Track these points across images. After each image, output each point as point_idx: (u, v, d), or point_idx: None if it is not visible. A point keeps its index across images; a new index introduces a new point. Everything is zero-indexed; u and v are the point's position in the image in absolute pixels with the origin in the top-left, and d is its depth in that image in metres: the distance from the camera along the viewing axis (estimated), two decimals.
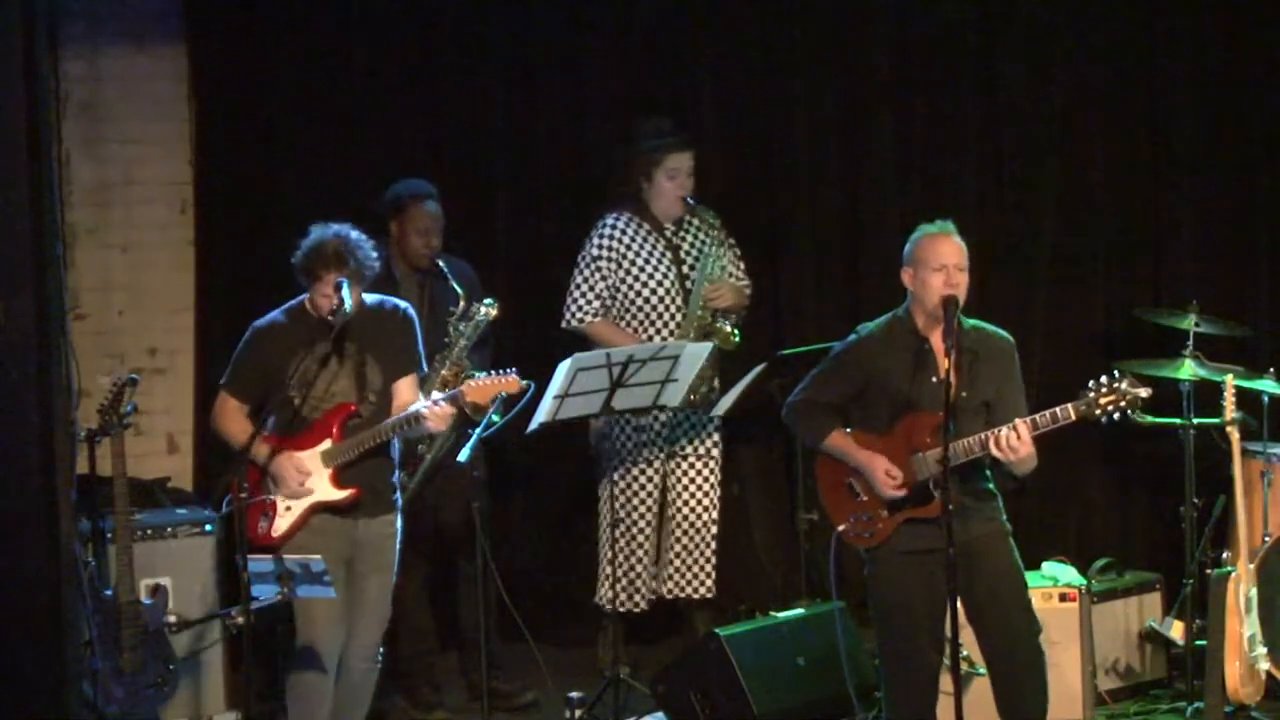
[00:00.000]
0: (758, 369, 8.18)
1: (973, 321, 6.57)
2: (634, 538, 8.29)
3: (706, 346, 7.79)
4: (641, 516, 8.27)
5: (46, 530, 6.42)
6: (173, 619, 7.42)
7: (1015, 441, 6.31)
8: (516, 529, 8.94)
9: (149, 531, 7.80)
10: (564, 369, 7.36)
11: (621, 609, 8.20)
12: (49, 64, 7.22)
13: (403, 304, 7.00)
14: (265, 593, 6.47)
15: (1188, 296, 8.07)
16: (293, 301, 6.91)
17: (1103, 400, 6.26)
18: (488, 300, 7.77)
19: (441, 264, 7.88)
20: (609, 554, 8.07)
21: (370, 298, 6.89)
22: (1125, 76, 8.92)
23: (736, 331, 8.21)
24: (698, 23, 9.03)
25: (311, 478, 6.79)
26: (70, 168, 8.70)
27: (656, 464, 8.23)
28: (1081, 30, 8.92)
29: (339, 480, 6.80)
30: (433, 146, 8.87)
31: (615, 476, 8.17)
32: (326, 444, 6.81)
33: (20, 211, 6.35)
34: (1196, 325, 7.92)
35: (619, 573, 8.26)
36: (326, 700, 6.90)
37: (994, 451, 6.34)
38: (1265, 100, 8.79)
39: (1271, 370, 7.78)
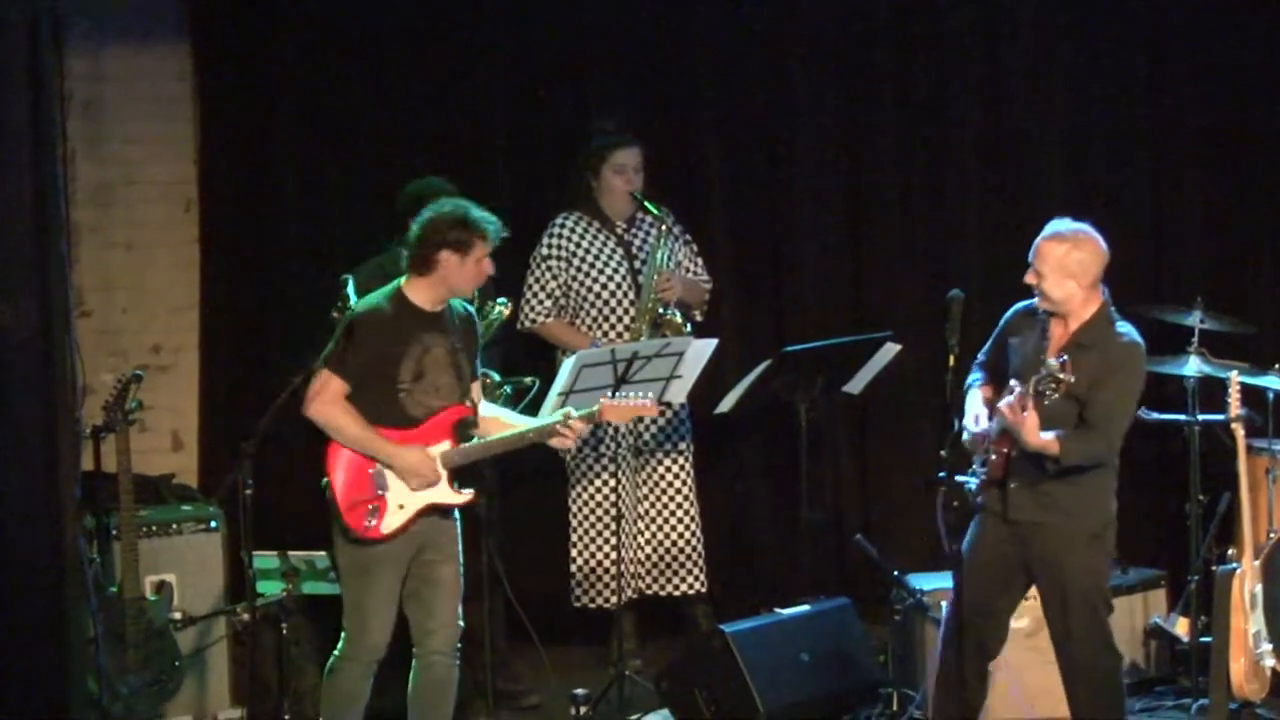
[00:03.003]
0: (762, 366, 8.16)
1: (1120, 322, 6.71)
2: (594, 539, 8.31)
3: (711, 343, 7.77)
4: (599, 520, 8.26)
5: (51, 527, 6.42)
6: (177, 616, 7.43)
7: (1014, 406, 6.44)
8: (522, 527, 8.93)
9: (154, 528, 7.79)
10: (568, 366, 7.36)
11: (592, 605, 8.29)
12: (53, 63, 7.22)
13: (469, 305, 6.87)
14: (270, 589, 6.46)
15: (1192, 293, 8.07)
16: (390, 289, 6.68)
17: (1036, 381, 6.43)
18: (501, 300, 7.78)
19: None
20: (571, 554, 8.30)
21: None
22: (1128, 72, 8.92)
23: (688, 323, 8.20)
24: (700, 24, 9.03)
25: None
26: (74, 166, 8.70)
27: (612, 466, 8.10)
28: (1084, 28, 8.92)
29: (454, 483, 6.68)
30: (436, 144, 8.86)
31: (575, 480, 8.31)
32: (445, 445, 6.66)
33: (25, 210, 6.36)
34: (1201, 322, 7.92)
35: (582, 573, 8.35)
36: (361, 705, 6.75)
37: (1006, 414, 6.45)
38: (1270, 95, 8.79)
39: (1276, 367, 7.77)
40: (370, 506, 6.56)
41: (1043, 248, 6.65)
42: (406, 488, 6.60)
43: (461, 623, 6.77)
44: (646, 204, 8.21)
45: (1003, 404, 6.46)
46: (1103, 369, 6.59)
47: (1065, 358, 6.42)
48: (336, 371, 6.56)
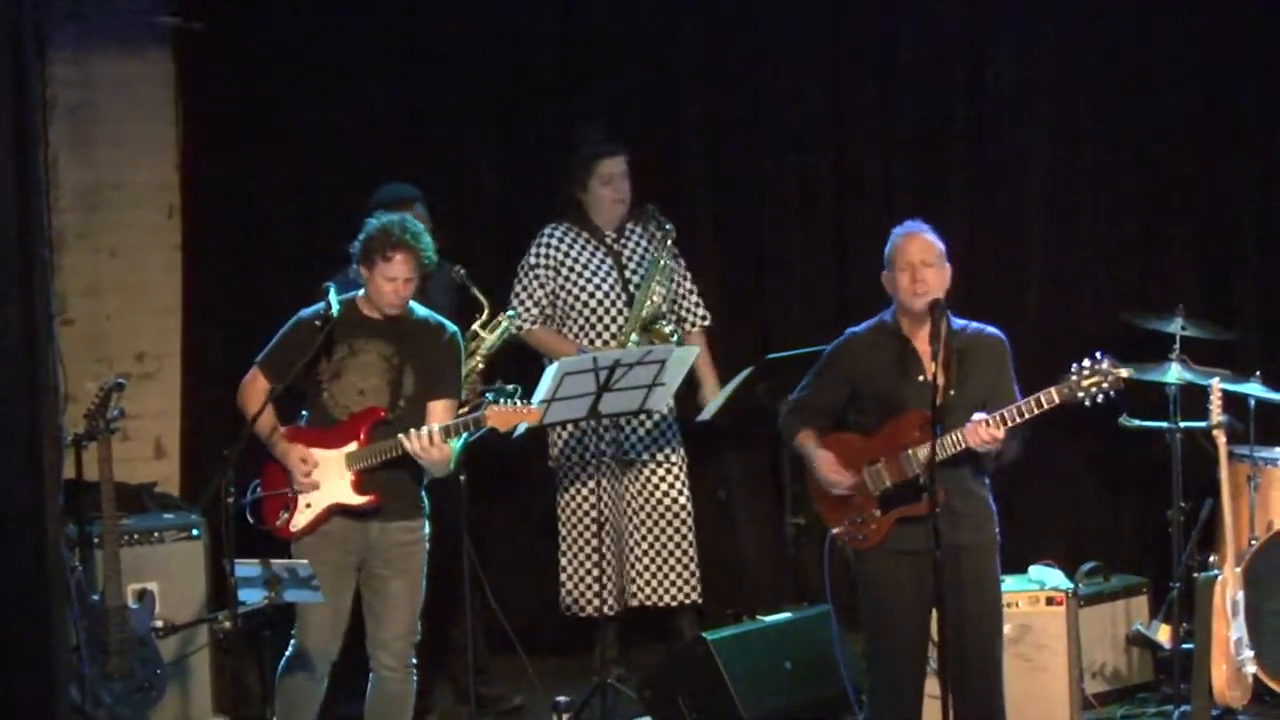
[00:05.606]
0: (744, 373, 8.18)
1: (963, 321, 6.61)
2: (581, 548, 8.30)
3: (693, 350, 7.79)
4: (587, 528, 8.24)
5: (33, 535, 6.40)
6: (160, 624, 7.42)
7: (985, 433, 6.33)
8: (502, 534, 8.94)
9: (136, 536, 7.80)
10: (550, 374, 7.37)
11: (582, 614, 8.29)
12: (36, 68, 7.21)
13: (452, 326, 6.94)
14: (252, 597, 6.46)
15: (1174, 300, 8.08)
16: (345, 295, 6.84)
17: (1085, 382, 6.31)
18: (510, 312, 7.82)
19: None
20: (560, 563, 8.33)
21: (421, 310, 6.86)
22: (1114, 80, 8.94)
23: (675, 334, 8.21)
24: (689, 28, 9.03)
25: (333, 478, 6.76)
26: (59, 171, 8.68)
27: (597, 474, 8.06)
28: (1071, 34, 8.93)
29: (360, 485, 6.76)
30: (420, 152, 8.86)
31: (562, 488, 8.31)
32: (352, 446, 6.76)
33: (7, 216, 6.34)
34: (1183, 329, 7.94)
35: (571, 581, 8.35)
36: (313, 705, 6.88)
37: (971, 442, 6.36)
38: (1253, 104, 8.81)
39: (1258, 373, 7.81)
40: (285, 503, 6.78)
41: (922, 243, 6.50)
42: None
43: (419, 636, 6.83)
44: (653, 214, 8.24)
45: (979, 431, 6.34)
46: (989, 363, 6.57)
47: (1103, 353, 6.33)
48: (260, 367, 6.88)
